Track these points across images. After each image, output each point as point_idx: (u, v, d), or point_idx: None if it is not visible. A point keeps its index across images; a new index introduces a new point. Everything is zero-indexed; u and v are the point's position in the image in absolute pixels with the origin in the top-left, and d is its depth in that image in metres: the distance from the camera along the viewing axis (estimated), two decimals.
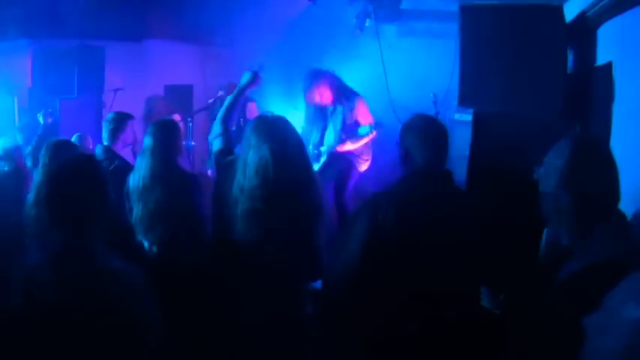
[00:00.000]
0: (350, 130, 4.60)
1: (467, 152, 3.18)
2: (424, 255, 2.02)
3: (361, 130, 4.54)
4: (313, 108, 4.89)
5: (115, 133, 3.75)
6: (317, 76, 4.66)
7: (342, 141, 4.61)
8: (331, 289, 2.25)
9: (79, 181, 1.76)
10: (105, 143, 3.75)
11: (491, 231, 2.16)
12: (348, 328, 2.15)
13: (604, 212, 1.60)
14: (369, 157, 4.79)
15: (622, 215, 1.65)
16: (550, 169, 1.67)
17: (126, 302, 1.67)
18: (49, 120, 4.92)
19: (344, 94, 4.67)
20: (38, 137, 4.57)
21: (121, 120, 3.81)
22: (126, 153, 3.91)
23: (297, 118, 6.95)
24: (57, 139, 3.42)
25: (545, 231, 1.93)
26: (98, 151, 3.73)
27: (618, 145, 2.65)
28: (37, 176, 3.08)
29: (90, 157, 1.98)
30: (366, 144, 4.73)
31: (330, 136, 4.75)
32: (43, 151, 3.17)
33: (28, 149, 4.31)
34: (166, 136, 3.21)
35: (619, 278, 1.36)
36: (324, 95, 4.65)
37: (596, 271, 1.48)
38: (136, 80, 6.63)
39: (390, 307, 2.04)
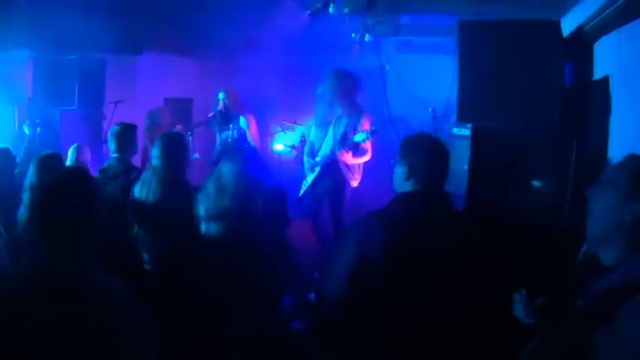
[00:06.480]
0: (349, 144, 4.58)
1: (466, 166, 3.19)
2: (415, 278, 1.97)
3: (357, 137, 4.46)
4: (321, 116, 4.87)
5: (126, 144, 3.75)
6: (347, 74, 4.65)
7: (342, 149, 4.56)
8: (322, 308, 2.24)
9: (69, 194, 1.73)
10: (114, 155, 3.76)
11: (492, 249, 2.13)
12: (340, 347, 2.13)
13: None
14: (360, 177, 4.78)
15: None
16: (611, 183, 1.58)
17: (113, 317, 1.64)
18: (38, 130, 4.94)
19: (356, 107, 4.66)
20: (25, 148, 4.58)
21: (130, 130, 3.83)
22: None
23: (296, 131, 7.01)
24: (45, 153, 3.41)
25: (582, 250, 1.84)
26: (113, 162, 3.73)
27: (615, 157, 2.66)
28: (25, 189, 3.12)
29: (82, 171, 1.97)
30: (358, 164, 4.73)
31: (326, 147, 4.73)
32: (31, 165, 3.16)
33: (17, 160, 4.32)
34: (176, 150, 3.21)
35: None
36: (345, 95, 4.63)
37: (630, 287, 1.42)
38: (136, 93, 6.66)
39: (381, 330, 2.01)
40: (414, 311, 1.98)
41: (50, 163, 3.26)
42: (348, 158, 4.58)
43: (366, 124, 4.53)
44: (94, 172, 3.76)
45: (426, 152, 2.11)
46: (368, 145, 4.63)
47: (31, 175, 3.20)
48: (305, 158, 4.99)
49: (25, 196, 3.16)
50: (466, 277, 1.99)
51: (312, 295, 2.67)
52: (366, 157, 4.67)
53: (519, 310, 1.74)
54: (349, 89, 4.64)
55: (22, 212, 3.19)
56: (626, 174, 1.56)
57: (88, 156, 4.42)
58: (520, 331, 1.76)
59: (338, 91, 4.63)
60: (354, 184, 4.74)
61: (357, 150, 4.59)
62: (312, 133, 5.02)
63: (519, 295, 1.74)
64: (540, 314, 1.69)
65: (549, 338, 1.61)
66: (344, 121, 4.63)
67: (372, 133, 4.44)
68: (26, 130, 5.10)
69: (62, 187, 1.76)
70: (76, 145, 4.43)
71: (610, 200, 1.58)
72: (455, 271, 1.98)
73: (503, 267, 2.10)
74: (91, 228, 1.75)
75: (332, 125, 4.73)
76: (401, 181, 2.13)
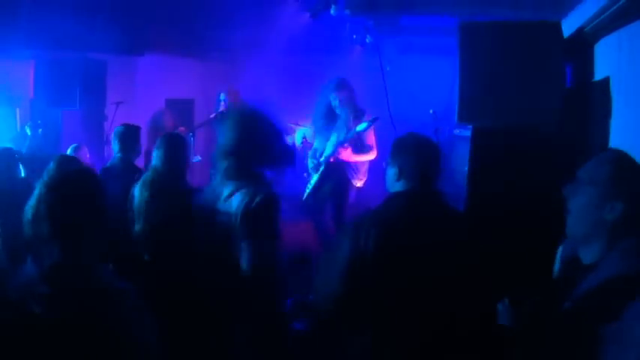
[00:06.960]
0: (351, 136, 4.57)
1: (466, 168, 3.19)
2: (410, 277, 1.98)
3: (359, 127, 4.47)
4: (322, 119, 4.88)
5: (130, 145, 3.78)
6: (344, 85, 4.67)
7: (342, 145, 4.56)
8: (319, 308, 2.25)
9: (77, 195, 1.75)
10: (118, 155, 3.77)
11: (489, 248, 2.13)
12: (338, 346, 2.14)
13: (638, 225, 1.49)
14: (365, 177, 4.78)
15: None
16: (590, 182, 1.55)
17: (116, 317, 1.64)
18: (39, 130, 4.96)
19: (356, 110, 4.67)
20: (28, 149, 4.60)
21: (134, 131, 3.86)
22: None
23: (298, 132, 7.00)
24: (63, 154, 3.44)
25: (561, 248, 1.86)
26: (116, 162, 3.73)
27: None
28: (37, 189, 3.12)
29: (90, 172, 1.98)
30: (363, 164, 4.73)
31: (330, 148, 4.74)
32: (49, 165, 3.18)
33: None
34: (176, 151, 3.21)
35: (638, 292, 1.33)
36: (345, 105, 4.65)
37: (617, 284, 1.42)
38: (138, 94, 6.67)
39: (379, 328, 2.03)
40: (407, 309, 1.99)
41: (68, 165, 3.26)
42: (348, 154, 4.57)
43: (367, 118, 4.56)
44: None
45: (414, 152, 2.14)
46: (372, 141, 4.64)
47: (45, 176, 3.19)
48: (309, 160, 4.99)
49: (34, 196, 3.16)
50: (459, 274, 2.00)
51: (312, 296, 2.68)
52: (372, 155, 4.67)
53: (503, 318, 1.75)
54: (348, 99, 4.65)
55: (28, 212, 3.17)
56: (604, 172, 1.53)
57: (86, 155, 4.45)
58: (510, 333, 1.76)
59: (338, 103, 4.65)
60: (359, 184, 4.74)
61: (360, 147, 4.60)
62: (316, 141, 5.03)
63: (502, 305, 1.74)
64: (524, 320, 1.69)
65: (538, 342, 1.61)
66: (346, 125, 4.65)
67: (373, 120, 4.45)
68: (28, 131, 5.12)
69: (70, 187, 1.78)
70: (74, 145, 4.45)
71: (589, 200, 1.55)
72: (447, 269, 1.99)
73: (496, 265, 2.11)
74: (97, 228, 1.76)
75: (335, 129, 4.74)
76: (392, 181, 2.15)
